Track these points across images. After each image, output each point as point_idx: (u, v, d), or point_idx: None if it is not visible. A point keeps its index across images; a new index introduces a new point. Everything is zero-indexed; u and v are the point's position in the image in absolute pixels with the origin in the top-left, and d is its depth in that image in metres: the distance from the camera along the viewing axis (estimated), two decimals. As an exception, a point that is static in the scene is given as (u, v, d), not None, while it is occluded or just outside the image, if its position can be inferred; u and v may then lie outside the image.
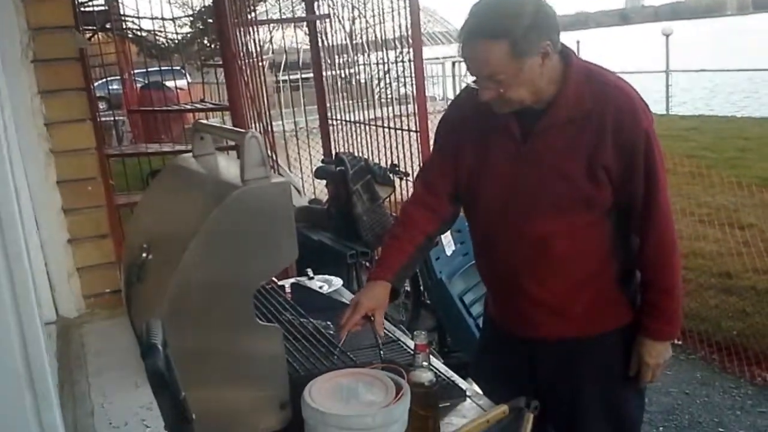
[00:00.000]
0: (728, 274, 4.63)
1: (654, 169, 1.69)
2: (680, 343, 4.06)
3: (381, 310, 1.83)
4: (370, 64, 5.81)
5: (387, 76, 5.90)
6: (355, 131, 5.23)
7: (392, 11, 4.68)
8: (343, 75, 5.87)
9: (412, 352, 1.77)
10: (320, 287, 2.56)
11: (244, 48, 4.59)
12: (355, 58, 5.86)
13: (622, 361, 1.87)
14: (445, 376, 1.82)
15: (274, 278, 2.47)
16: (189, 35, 9.10)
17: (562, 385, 1.89)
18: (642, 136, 1.66)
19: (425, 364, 1.57)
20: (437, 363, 1.92)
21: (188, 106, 5.32)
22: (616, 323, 1.85)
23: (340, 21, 5.51)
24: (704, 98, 15.63)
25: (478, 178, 1.83)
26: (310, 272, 2.64)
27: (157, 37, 8.69)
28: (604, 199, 1.71)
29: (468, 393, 1.76)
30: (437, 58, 13.60)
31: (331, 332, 2.04)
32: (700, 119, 12.30)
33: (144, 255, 1.70)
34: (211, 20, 7.90)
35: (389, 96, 5.45)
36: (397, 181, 4.26)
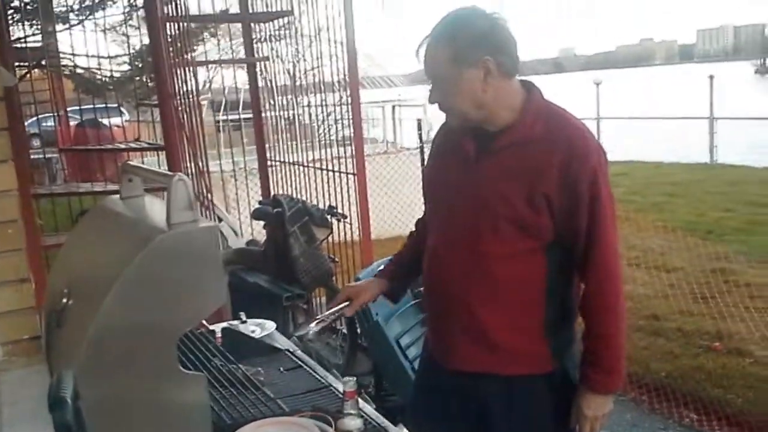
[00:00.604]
0: (656, 316, 4.76)
1: (599, 209, 1.70)
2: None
3: (360, 297, 2.02)
4: (310, 106, 5.85)
5: (327, 118, 5.94)
6: (295, 173, 5.23)
7: (330, 56, 4.74)
8: (283, 116, 5.88)
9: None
10: (252, 331, 2.51)
11: (182, 88, 4.56)
12: (296, 99, 5.89)
13: (552, 410, 1.86)
14: (375, 422, 1.80)
15: (204, 322, 2.42)
16: (127, 73, 8.98)
17: (494, 429, 1.87)
18: (589, 172, 1.69)
19: (354, 411, 1.56)
20: (368, 408, 1.90)
21: (122, 146, 5.23)
22: (538, 369, 1.83)
23: (282, 62, 5.54)
24: (634, 145, 16.23)
25: (435, 196, 1.93)
26: (243, 316, 2.59)
27: (93, 75, 8.55)
28: (542, 227, 1.72)
29: (398, 439, 1.75)
30: (377, 102, 13.80)
31: (261, 379, 2.00)
32: (629, 165, 12.74)
33: (65, 300, 1.65)
34: (150, 59, 7.83)
35: (330, 138, 5.48)
36: (334, 223, 4.26)
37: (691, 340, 4.42)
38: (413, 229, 2.17)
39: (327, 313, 2.02)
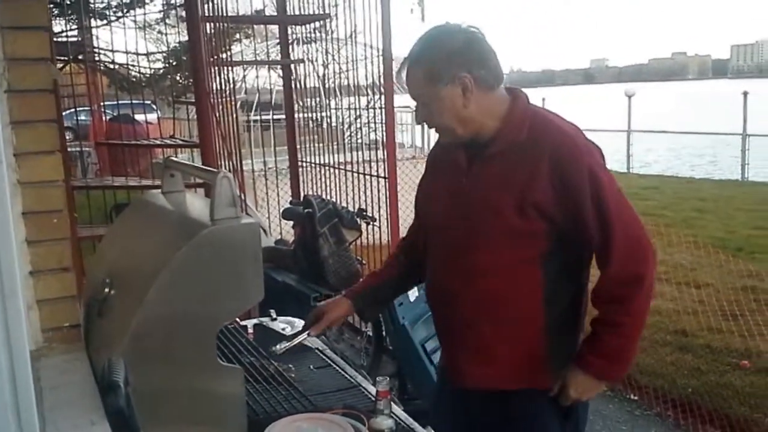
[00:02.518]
0: (684, 331, 4.71)
1: (605, 206, 1.65)
2: (636, 398, 4.10)
3: (328, 316, 2.00)
4: (341, 109, 5.89)
5: (357, 121, 5.98)
6: (324, 174, 5.27)
7: (365, 59, 4.78)
8: (314, 118, 5.93)
9: (373, 398, 1.77)
10: (283, 329, 2.54)
11: (218, 87, 4.62)
12: (327, 102, 5.93)
13: (553, 424, 1.81)
14: (405, 423, 1.81)
15: (236, 318, 2.45)
16: (162, 71, 9.11)
17: None
18: (584, 173, 1.64)
19: (386, 411, 1.57)
20: (398, 410, 1.91)
21: (158, 142, 5.31)
22: (538, 384, 1.79)
23: (314, 65, 5.59)
24: (666, 159, 16.10)
25: (430, 211, 1.92)
26: (273, 313, 2.62)
27: (129, 71, 8.69)
28: (535, 234, 1.69)
29: (427, 442, 1.76)
30: (407, 107, 13.82)
31: (293, 375, 2.03)
32: (660, 179, 12.65)
33: (106, 290, 1.69)
34: (184, 57, 7.94)
35: (359, 141, 5.51)
36: (363, 225, 4.29)
37: (718, 357, 4.37)
38: (401, 246, 2.14)
39: (293, 333, 2.07)
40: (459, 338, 1.84)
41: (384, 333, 4.03)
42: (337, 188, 5.06)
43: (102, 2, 9.50)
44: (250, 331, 2.40)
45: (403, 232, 4.85)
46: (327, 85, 5.75)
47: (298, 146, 5.58)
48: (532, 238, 1.70)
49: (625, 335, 1.72)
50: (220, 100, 4.65)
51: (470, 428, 1.89)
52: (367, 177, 4.75)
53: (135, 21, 8.60)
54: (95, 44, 8.60)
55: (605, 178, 1.67)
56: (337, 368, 2.17)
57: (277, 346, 1.98)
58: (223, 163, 4.40)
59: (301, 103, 5.81)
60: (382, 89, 4.48)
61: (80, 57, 7.77)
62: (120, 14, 9.06)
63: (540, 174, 1.65)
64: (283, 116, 5.87)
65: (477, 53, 1.70)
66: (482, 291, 1.75)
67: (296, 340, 2.00)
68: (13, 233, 0.85)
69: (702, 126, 18.20)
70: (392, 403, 1.77)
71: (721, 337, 4.53)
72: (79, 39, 8.19)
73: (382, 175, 4.54)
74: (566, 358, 1.78)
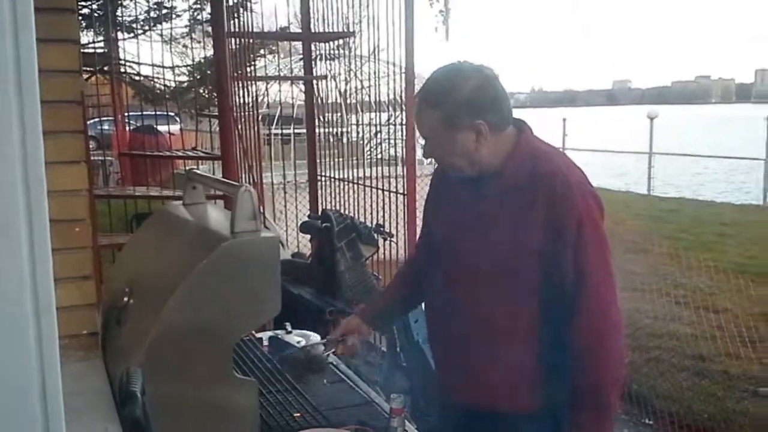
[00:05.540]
0: (701, 356, 4.66)
1: (583, 257, 1.67)
2: (651, 423, 4.06)
3: (352, 335, 2.10)
4: (361, 124, 5.92)
5: (377, 136, 6.02)
6: (343, 189, 5.29)
7: (387, 76, 4.81)
8: (335, 133, 5.97)
9: (386, 415, 1.78)
10: (298, 342, 2.55)
11: (241, 101, 4.67)
12: (348, 117, 5.97)
13: None
14: (417, 441, 1.82)
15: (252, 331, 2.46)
16: (186, 84, 9.22)
17: None
18: (573, 220, 1.67)
19: (400, 428, 1.57)
20: (411, 428, 1.91)
21: (181, 153, 5.36)
22: (526, 409, 1.79)
23: (336, 81, 5.63)
24: (686, 182, 15.99)
25: (430, 233, 2.01)
26: (288, 326, 2.63)
27: (154, 83, 8.79)
28: (530, 270, 1.71)
29: (439, 460, 1.75)
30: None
31: (307, 388, 2.04)
32: (680, 202, 12.54)
33: (126, 298, 1.71)
34: (209, 71, 8.03)
35: (379, 156, 5.54)
36: (381, 241, 4.29)
37: (736, 383, 4.31)
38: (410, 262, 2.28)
39: (330, 342, 2.17)
40: (452, 356, 1.92)
41: (399, 350, 4.02)
42: (356, 203, 5.07)
43: (129, 16, 9.65)
44: (265, 343, 2.41)
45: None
46: (348, 101, 5.79)
47: (318, 160, 5.61)
48: (527, 271, 1.73)
49: (597, 389, 1.71)
50: (243, 114, 4.70)
51: None
52: (386, 192, 4.76)
53: (161, 35, 8.72)
54: (121, 56, 8.74)
55: (592, 230, 1.69)
56: (351, 383, 2.17)
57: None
58: (243, 176, 4.43)
59: (322, 118, 5.85)
60: (403, 106, 4.50)
61: (106, 68, 7.89)
62: (147, 28, 9.19)
63: (534, 213, 1.69)
64: (304, 130, 5.92)
65: (491, 98, 1.72)
66: (478, 318, 1.80)
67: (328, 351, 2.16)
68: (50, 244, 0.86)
69: (725, 150, 18.04)
70: (405, 420, 1.77)
71: (739, 363, 4.47)
72: (106, 51, 8.33)
73: (401, 191, 4.55)
74: (556, 387, 1.75)
